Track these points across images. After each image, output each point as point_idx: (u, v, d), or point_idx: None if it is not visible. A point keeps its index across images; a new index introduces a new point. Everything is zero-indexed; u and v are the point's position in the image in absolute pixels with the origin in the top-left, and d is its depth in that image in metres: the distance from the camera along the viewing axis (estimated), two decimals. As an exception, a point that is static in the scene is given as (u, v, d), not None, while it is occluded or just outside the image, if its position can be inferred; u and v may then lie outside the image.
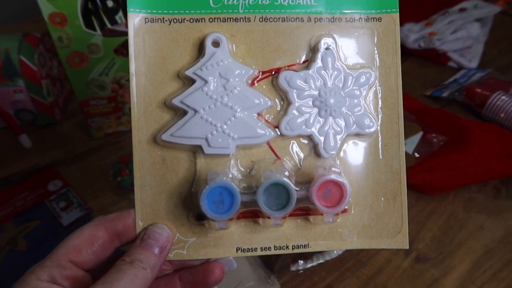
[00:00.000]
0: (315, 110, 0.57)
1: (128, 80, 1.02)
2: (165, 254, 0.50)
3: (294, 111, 0.57)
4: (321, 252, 0.89)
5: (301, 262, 0.84)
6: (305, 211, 0.55)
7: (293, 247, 0.54)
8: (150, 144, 0.57)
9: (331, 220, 0.55)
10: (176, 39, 0.57)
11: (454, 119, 1.04)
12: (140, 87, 0.56)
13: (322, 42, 0.57)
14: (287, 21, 0.58)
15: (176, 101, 0.56)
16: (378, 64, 0.59)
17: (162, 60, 0.57)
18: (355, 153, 0.57)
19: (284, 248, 0.54)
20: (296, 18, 0.58)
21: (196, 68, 0.56)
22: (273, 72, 0.58)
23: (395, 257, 0.86)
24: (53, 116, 1.08)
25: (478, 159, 0.97)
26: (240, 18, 0.57)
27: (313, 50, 0.58)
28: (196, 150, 0.56)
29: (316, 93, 0.57)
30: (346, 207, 0.54)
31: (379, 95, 0.59)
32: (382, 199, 0.55)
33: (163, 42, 0.57)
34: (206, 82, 0.55)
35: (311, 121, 0.57)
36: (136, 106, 0.57)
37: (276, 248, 0.54)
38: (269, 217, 0.53)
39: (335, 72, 0.57)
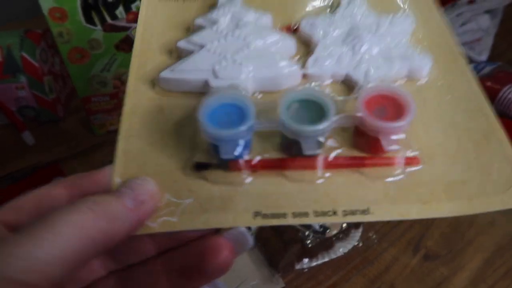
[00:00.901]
0: (347, 48, 0.43)
1: (131, 76, 0.96)
2: (143, 212, 0.31)
3: (323, 48, 0.43)
4: (326, 250, 0.78)
5: (306, 260, 0.76)
6: (358, 160, 0.35)
7: (345, 213, 0.32)
8: (148, 91, 0.42)
9: (392, 145, 0.35)
10: (188, 10, 0.48)
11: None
12: (148, 30, 0.46)
13: None
14: None
15: (181, 43, 0.43)
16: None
17: (174, 27, 0.47)
18: (416, 95, 0.38)
19: (329, 214, 0.32)
20: None
21: (207, 14, 0.45)
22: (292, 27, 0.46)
23: (403, 255, 0.78)
24: (56, 112, 1.03)
25: None
26: None
27: None
28: (204, 93, 0.41)
29: (345, 30, 0.44)
30: (415, 155, 0.36)
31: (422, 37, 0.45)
32: (468, 143, 0.37)
33: (176, 16, 0.48)
34: (217, 22, 0.44)
35: (345, 59, 0.42)
36: (139, 46, 0.45)
37: (317, 214, 0.32)
38: (298, 155, 0.35)
39: (368, 18, 0.45)
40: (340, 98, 0.39)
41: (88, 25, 0.85)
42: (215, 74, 0.41)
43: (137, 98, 0.42)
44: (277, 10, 0.44)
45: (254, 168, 0.35)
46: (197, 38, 0.41)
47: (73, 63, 0.89)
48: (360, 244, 0.82)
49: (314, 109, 0.35)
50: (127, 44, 0.90)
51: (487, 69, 1.12)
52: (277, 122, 0.34)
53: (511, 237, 0.85)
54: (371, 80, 0.40)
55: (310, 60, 0.42)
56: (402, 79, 0.41)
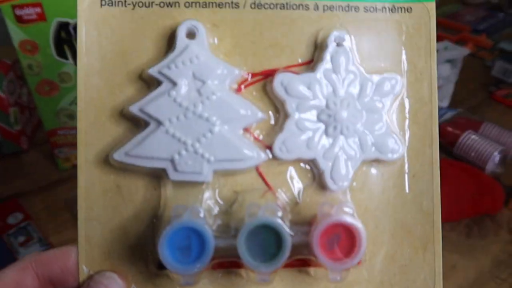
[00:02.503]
0: (321, 126, 0.38)
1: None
2: None
3: (293, 127, 0.37)
4: None
5: None
6: (303, 261, 0.37)
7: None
8: (101, 165, 0.38)
9: (338, 278, 0.36)
10: (141, 28, 0.38)
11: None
12: (91, 90, 0.37)
13: (333, 36, 0.38)
14: (287, 9, 0.38)
15: (134, 109, 0.36)
16: (406, 68, 0.40)
17: (122, 55, 0.38)
18: (373, 184, 0.38)
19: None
20: (299, 5, 0.38)
21: (163, 66, 0.36)
22: (266, 75, 0.38)
23: None
24: (20, 144, 0.96)
25: (451, 197, 0.87)
26: (225, 3, 0.38)
27: (321, 47, 0.38)
28: (160, 174, 0.37)
29: (323, 103, 0.37)
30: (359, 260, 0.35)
31: (407, 109, 0.39)
32: (408, 247, 0.38)
33: (124, 31, 0.37)
34: (175, 84, 0.36)
35: (316, 140, 0.37)
36: (84, 115, 0.37)
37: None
38: (253, 271, 0.36)
39: (349, 76, 0.37)
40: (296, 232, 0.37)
41: (59, 58, 0.81)
42: (174, 166, 0.36)
43: (90, 173, 0.38)
44: (249, 55, 0.39)
45: (212, 268, 0.37)
46: (152, 109, 0.36)
47: (41, 95, 0.85)
48: None
49: (273, 238, 0.35)
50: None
51: (448, 115, 1.13)
52: (235, 248, 0.35)
53: (472, 282, 0.82)
54: (338, 167, 0.38)
55: (277, 142, 0.38)
56: (368, 161, 0.39)
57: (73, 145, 0.91)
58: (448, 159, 1.04)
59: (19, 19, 0.75)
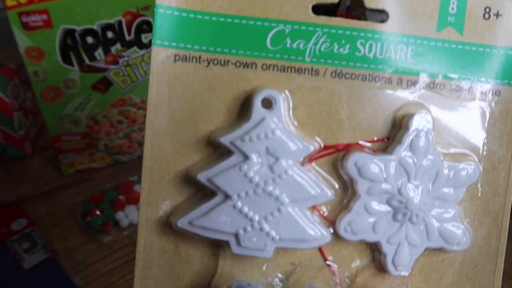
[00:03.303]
0: (390, 211, 0.36)
1: (104, 116, 0.89)
2: None
3: (362, 209, 0.36)
4: None
5: None
6: None
7: None
8: (162, 226, 0.36)
9: None
10: (214, 87, 0.35)
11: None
12: (158, 149, 0.36)
13: (416, 118, 0.35)
14: (369, 80, 0.36)
15: (202, 178, 0.34)
16: (484, 154, 0.37)
17: (192, 115, 0.35)
18: (429, 269, 0.38)
19: None
20: (382, 78, 0.36)
21: (236, 137, 0.34)
22: (339, 149, 0.36)
23: None
24: (23, 149, 0.96)
25: None
26: (305, 69, 0.35)
27: (400, 126, 0.36)
28: (221, 242, 0.36)
29: (395, 189, 0.35)
30: None
31: (478, 196, 0.38)
32: None
33: (196, 90, 0.35)
34: (247, 158, 0.34)
35: (382, 225, 0.36)
36: (149, 174, 0.36)
37: None
38: None
39: (427, 163, 0.35)
40: None
41: (65, 65, 0.80)
42: (237, 241, 0.35)
43: (150, 233, 0.37)
44: (323, 125, 0.36)
45: None
46: (221, 181, 0.34)
47: (46, 101, 0.84)
48: None
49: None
50: (103, 85, 0.85)
51: None
52: None
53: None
54: (402, 253, 0.37)
55: (343, 222, 0.36)
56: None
57: (77, 150, 0.92)
58: None
59: (26, 26, 0.74)
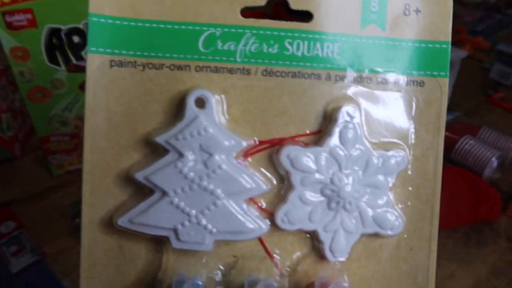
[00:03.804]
0: (324, 200, 0.37)
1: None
2: None
3: (297, 200, 0.37)
4: None
5: None
6: None
7: None
8: (105, 226, 0.37)
9: None
10: (150, 90, 0.36)
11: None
12: (97, 152, 0.37)
13: (344, 111, 0.36)
14: (298, 77, 0.37)
15: (139, 176, 0.36)
16: (412, 142, 0.39)
17: (130, 118, 0.36)
18: (369, 255, 0.39)
19: None
20: (311, 74, 0.37)
21: (170, 136, 0.35)
22: (273, 143, 0.37)
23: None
24: (13, 151, 0.94)
25: (448, 203, 0.84)
26: (236, 69, 0.37)
27: (330, 119, 0.37)
28: (163, 238, 0.37)
29: (328, 178, 0.37)
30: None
31: (410, 183, 0.39)
32: None
33: (132, 93, 0.36)
34: (181, 156, 0.35)
35: (318, 213, 0.37)
36: (90, 176, 0.37)
37: None
38: None
39: (356, 153, 0.37)
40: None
41: (51, 65, 0.79)
42: (177, 236, 0.36)
43: (94, 234, 0.38)
44: (257, 122, 0.38)
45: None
46: (157, 179, 0.36)
47: (33, 102, 0.83)
48: None
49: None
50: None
51: (447, 118, 1.08)
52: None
53: (470, 290, 0.82)
54: (338, 240, 0.38)
55: (280, 213, 0.37)
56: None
57: (66, 151, 0.90)
58: (446, 164, 1.02)
59: (10, 26, 0.73)
